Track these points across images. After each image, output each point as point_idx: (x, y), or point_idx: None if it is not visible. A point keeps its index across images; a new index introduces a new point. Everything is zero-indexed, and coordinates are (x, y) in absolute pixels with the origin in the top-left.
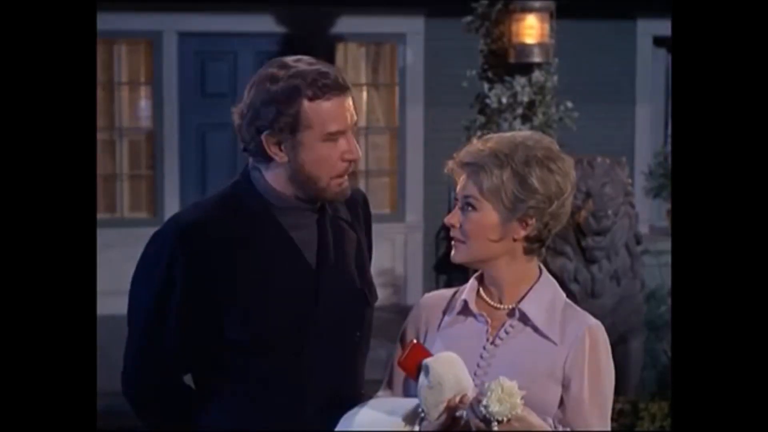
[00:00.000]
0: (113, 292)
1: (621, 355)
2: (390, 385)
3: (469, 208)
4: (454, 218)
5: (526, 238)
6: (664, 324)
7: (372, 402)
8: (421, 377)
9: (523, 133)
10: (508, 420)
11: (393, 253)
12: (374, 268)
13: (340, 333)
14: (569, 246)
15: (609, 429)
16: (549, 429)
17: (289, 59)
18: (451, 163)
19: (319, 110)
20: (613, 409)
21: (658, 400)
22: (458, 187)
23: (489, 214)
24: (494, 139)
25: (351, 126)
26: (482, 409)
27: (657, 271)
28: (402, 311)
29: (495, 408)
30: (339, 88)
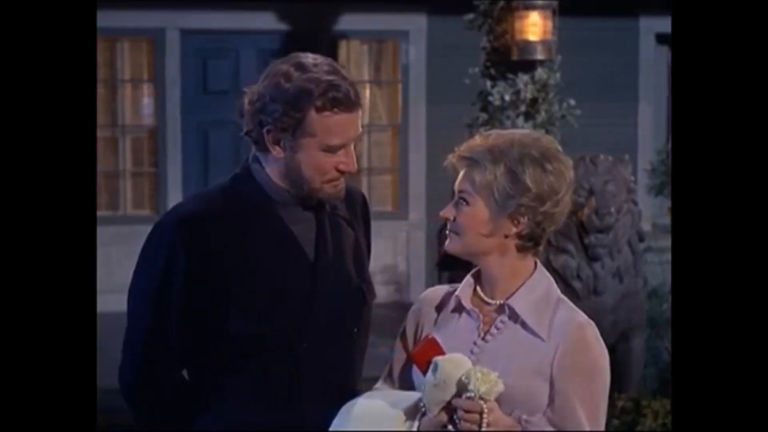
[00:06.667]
0: (116, 290)
1: (623, 353)
2: (390, 378)
3: (463, 203)
4: (448, 212)
5: (519, 236)
6: (666, 321)
7: (372, 393)
8: (429, 374)
9: (522, 131)
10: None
11: (395, 250)
12: (377, 266)
13: (337, 329)
14: (572, 243)
15: (602, 429)
16: (514, 424)
17: (309, 60)
18: (451, 157)
19: (325, 122)
20: (615, 406)
21: (660, 398)
22: (456, 181)
23: (480, 209)
24: (493, 136)
25: (354, 139)
26: (471, 395)
27: (659, 268)
28: (404, 309)
29: (483, 388)
30: (349, 104)
